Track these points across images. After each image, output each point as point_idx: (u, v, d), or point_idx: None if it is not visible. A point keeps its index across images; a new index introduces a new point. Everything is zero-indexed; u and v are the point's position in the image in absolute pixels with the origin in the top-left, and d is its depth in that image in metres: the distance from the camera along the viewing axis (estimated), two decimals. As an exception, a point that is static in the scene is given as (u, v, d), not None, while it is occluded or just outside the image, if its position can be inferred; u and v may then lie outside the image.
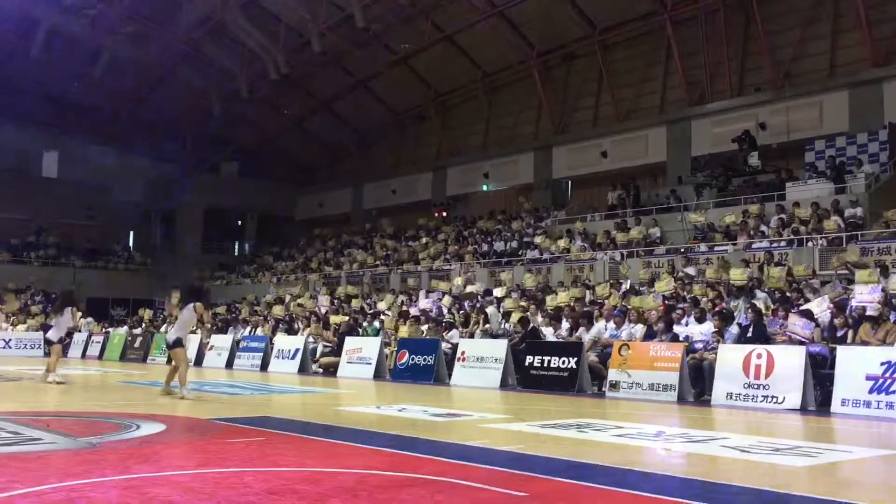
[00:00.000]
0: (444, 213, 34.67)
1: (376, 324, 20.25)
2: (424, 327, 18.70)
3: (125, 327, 28.52)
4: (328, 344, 19.81)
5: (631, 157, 28.78)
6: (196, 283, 15.38)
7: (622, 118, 29.41)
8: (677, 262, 19.81)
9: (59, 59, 33.78)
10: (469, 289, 22.25)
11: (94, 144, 40.17)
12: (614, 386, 13.02)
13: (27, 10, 30.92)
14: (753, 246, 19.46)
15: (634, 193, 26.35)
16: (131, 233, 43.21)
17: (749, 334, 12.80)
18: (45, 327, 28.26)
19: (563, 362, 14.03)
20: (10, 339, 28.63)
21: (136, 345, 25.52)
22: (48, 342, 16.09)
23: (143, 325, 28.39)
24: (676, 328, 13.82)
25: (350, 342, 18.50)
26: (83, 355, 26.63)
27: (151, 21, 32.57)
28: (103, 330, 28.47)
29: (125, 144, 40.86)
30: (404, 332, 18.71)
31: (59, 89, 37.42)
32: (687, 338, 13.58)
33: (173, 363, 12.71)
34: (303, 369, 19.14)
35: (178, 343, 12.24)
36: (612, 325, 14.98)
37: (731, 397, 11.72)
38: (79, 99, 38.01)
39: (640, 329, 14.30)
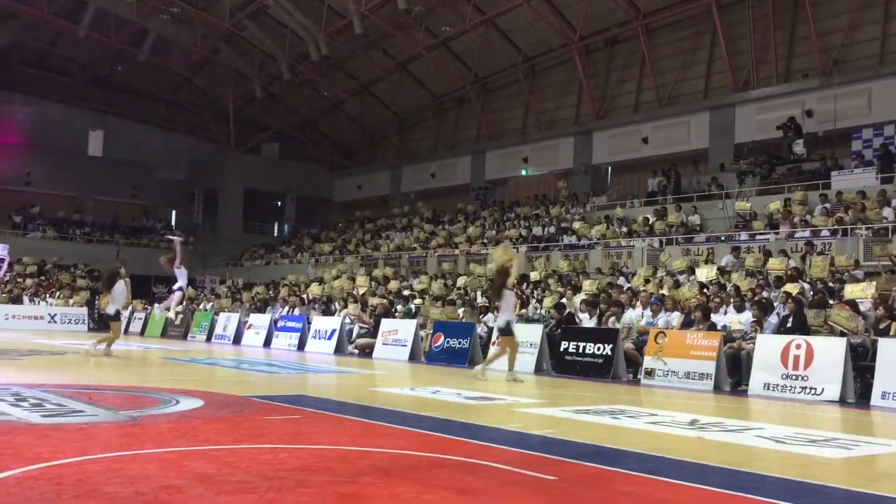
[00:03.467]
0: (481, 198, 34.60)
1: (412, 306, 20.35)
2: (461, 310, 18.75)
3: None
4: (364, 325, 19.97)
5: (672, 144, 28.44)
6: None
7: (664, 104, 29.05)
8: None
9: (105, 40, 34.29)
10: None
11: (138, 124, 40.88)
12: (650, 373, 12.96)
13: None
14: (796, 235, 19.16)
15: (675, 180, 26.06)
16: (173, 212, 43.89)
17: (788, 324, 12.63)
18: (91, 303, 28.98)
19: (599, 348, 13.99)
20: (55, 314, 29.35)
21: (177, 322, 25.96)
22: (106, 317, 16.47)
23: (184, 302, 28.83)
24: (715, 317, 13.68)
25: (386, 324, 18.63)
26: (125, 331, 27.13)
27: (195, 3, 32.89)
28: (144, 307, 29.00)
29: (168, 124, 41.53)
30: (436, 314, 18.75)
31: (104, 70, 38.03)
32: (725, 327, 13.45)
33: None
34: (339, 350, 19.33)
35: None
36: (648, 312, 14.88)
37: (768, 388, 11.60)
38: (124, 80, 38.63)
39: (676, 317, 14.19)
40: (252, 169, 41.29)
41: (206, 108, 41.05)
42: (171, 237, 18.75)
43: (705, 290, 15.49)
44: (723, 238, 20.82)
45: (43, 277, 33.10)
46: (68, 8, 33.15)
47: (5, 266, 20.68)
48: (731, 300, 14.23)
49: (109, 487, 4.44)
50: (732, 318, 13.71)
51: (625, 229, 23.69)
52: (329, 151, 43.55)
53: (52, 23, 34.02)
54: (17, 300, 29.79)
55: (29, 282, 31.86)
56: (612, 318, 15.06)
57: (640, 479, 5.28)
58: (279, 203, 44.06)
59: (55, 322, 28.87)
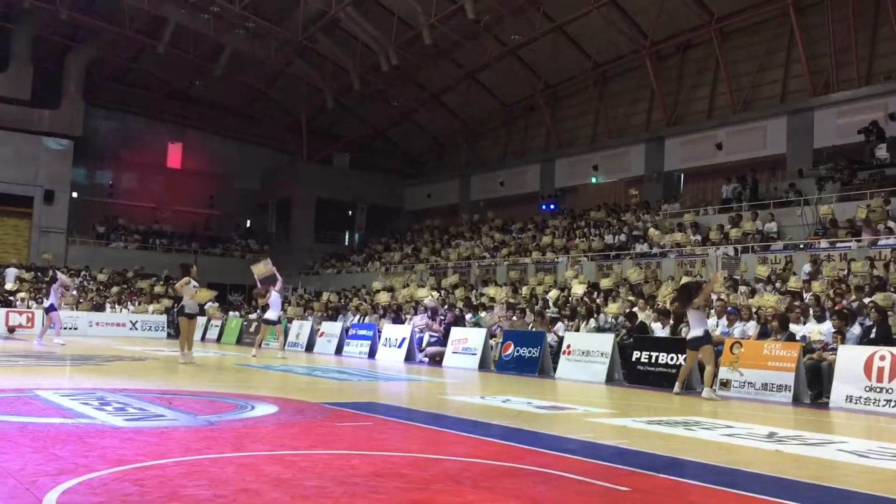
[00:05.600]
0: (552, 207, 34.45)
1: (482, 315, 20.35)
2: (530, 319, 18.68)
3: (241, 312, 29.68)
4: (434, 334, 20.06)
5: (748, 149, 27.78)
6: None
7: (739, 109, 28.42)
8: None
9: (183, 55, 35.39)
10: (576, 287, 21.94)
11: (214, 136, 42.04)
12: (725, 384, 12.65)
13: (155, 7, 32.55)
14: (879, 243, 18.49)
15: (752, 186, 25.44)
16: (248, 221, 44.92)
17: (872, 335, 12.19)
18: (169, 311, 29.83)
19: (672, 359, 13.74)
20: (136, 321, 30.34)
21: (252, 329, 26.53)
22: (177, 312, 16.82)
23: (259, 310, 29.46)
24: (793, 327, 13.29)
25: (456, 332, 18.67)
26: (203, 338, 27.88)
27: (270, 18, 33.69)
28: (221, 314, 29.70)
29: (244, 136, 42.59)
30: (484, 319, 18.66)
31: (183, 85, 39.24)
32: (804, 337, 13.06)
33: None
34: (409, 358, 19.45)
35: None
36: (723, 321, 14.56)
37: (850, 400, 11.20)
38: (201, 93, 39.79)
39: (753, 327, 13.84)
40: (324, 179, 41.97)
41: (279, 119, 41.96)
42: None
43: (784, 300, 15.08)
44: (801, 246, 20.23)
45: (125, 286, 34.27)
46: (149, 25, 34.36)
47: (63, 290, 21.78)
48: (811, 310, 13.81)
49: (190, 490, 4.57)
50: (812, 329, 13.31)
51: (698, 237, 23.24)
52: (399, 161, 43.96)
53: (134, 39, 35.29)
54: (99, 308, 30.91)
55: (113, 290, 33.02)
56: (685, 328, 14.77)
57: (716, 491, 5.17)
58: (350, 212, 44.68)
59: (136, 329, 29.86)
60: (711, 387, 11.86)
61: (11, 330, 27.57)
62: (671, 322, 15.30)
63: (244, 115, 41.73)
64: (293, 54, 36.09)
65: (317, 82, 37.25)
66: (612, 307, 17.76)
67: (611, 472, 5.59)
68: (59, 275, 23.07)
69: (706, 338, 11.91)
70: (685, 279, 18.98)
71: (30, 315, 28.87)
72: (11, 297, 30.38)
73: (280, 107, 41.04)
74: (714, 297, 16.35)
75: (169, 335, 28.45)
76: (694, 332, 11.94)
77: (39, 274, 33.73)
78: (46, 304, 21.80)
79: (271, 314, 19.56)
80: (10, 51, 35.69)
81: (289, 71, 37.50)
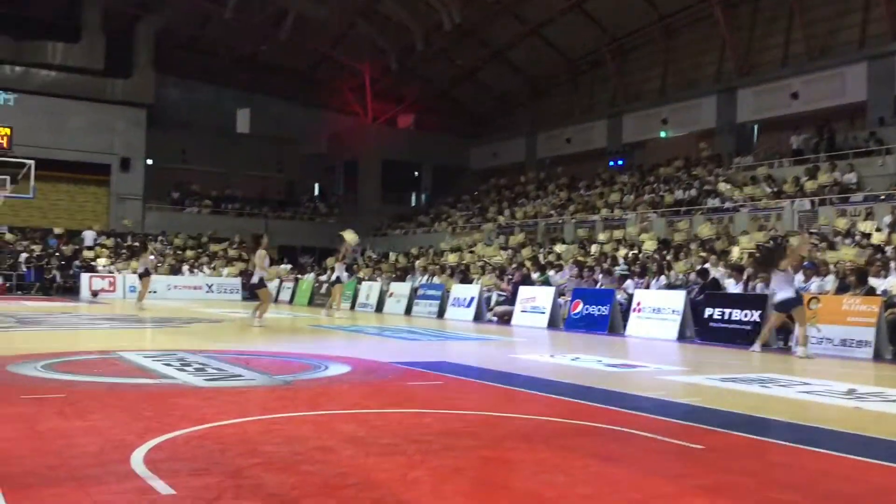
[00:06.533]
0: (619, 163, 33.91)
1: (550, 274, 20.27)
2: (599, 276, 18.53)
3: (313, 274, 30.19)
4: (502, 293, 20.08)
5: (825, 98, 26.72)
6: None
7: (815, 55, 27.30)
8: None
9: (249, 21, 35.71)
10: (647, 243, 21.63)
11: (281, 100, 42.48)
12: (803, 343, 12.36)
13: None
14: (967, 192, 17.69)
15: (829, 136, 24.55)
16: (316, 184, 45.47)
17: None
18: (246, 274, 30.57)
19: (746, 315, 13.48)
20: (211, 284, 31.19)
21: (323, 290, 26.99)
22: (252, 286, 16.75)
23: (329, 271, 29.95)
24: (873, 281, 12.88)
25: (524, 291, 18.66)
26: (275, 300, 28.49)
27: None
28: (293, 276, 30.27)
29: (309, 99, 42.90)
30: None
31: (249, 51, 39.64)
32: (885, 292, 12.64)
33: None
34: (478, 317, 19.54)
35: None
36: (800, 276, 14.19)
37: (935, 356, 10.84)
38: (267, 59, 40.11)
39: (831, 281, 13.46)
40: (389, 140, 42.10)
41: (343, 82, 42.10)
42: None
43: (864, 253, 14.60)
44: (882, 197, 19.47)
45: (200, 250, 35.20)
46: (214, -8, 34.74)
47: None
48: (893, 263, 13.34)
49: (268, 447, 4.72)
50: (894, 283, 12.87)
51: (772, 190, 22.58)
52: (464, 120, 43.72)
53: (201, 7, 35.73)
54: (177, 271, 31.87)
55: (189, 253, 33.98)
56: (760, 284, 14.46)
57: (793, 449, 5.09)
58: (416, 173, 44.77)
59: (212, 292, 30.72)
60: (805, 345, 11.57)
61: (95, 294, 28.68)
62: (744, 278, 15.01)
63: (309, 78, 41.98)
64: (356, 15, 36.04)
65: (380, 43, 37.18)
66: (683, 263, 17.47)
67: (684, 430, 5.55)
68: (149, 254, 23.71)
69: (798, 299, 11.55)
70: (760, 235, 18.54)
71: (111, 279, 29.94)
72: (93, 263, 31.54)
73: (344, 69, 41.15)
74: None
75: (244, 298, 29.16)
76: (783, 294, 11.51)
77: (119, 239, 34.89)
78: (141, 269, 22.56)
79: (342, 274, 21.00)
80: (83, 22, 36.55)
81: (352, 33, 37.50)
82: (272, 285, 29.41)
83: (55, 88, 35.99)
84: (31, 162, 29.04)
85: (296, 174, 43.81)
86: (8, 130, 31.00)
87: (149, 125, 38.01)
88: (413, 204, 44.74)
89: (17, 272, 30.61)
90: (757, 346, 12.05)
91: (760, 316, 13.16)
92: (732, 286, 15.19)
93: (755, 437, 5.38)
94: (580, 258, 21.58)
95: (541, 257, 23.15)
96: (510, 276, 20.68)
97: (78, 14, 36.54)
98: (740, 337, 13.24)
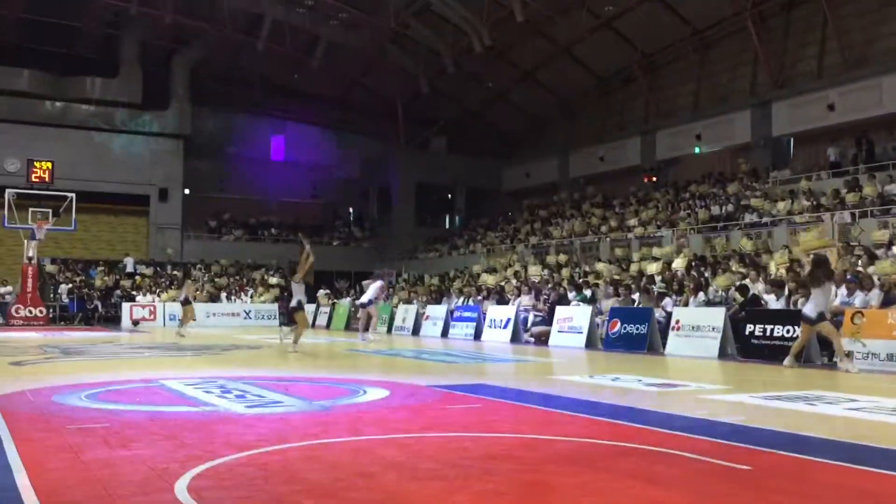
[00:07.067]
0: (654, 179, 33.71)
1: (587, 293, 20.14)
2: (636, 296, 18.36)
3: (349, 299, 30.33)
4: (539, 313, 19.98)
5: (862, 109, 26.31)
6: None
7: (851, 66, 26.95)
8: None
9: (281, 50, 36.28)
10: (678, 261, 21.45)
11: (314, 127, 43.01)
12: (847, 356, 12.10)
13: (253, 5, 33.46)
14: None
15: (867, 147, 24.16)
16: (350, 209, 45.79)
17: None
18: (280, 299, 30.81)
19: (788, 331, 13.24)
20: (249, 311, 31.47)
21: (359, 315, 27.04)
22: (291, 310, 16.45)
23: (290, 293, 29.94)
24: (919, 294, 12.59)
25: (561, 311, 18.54)
26: (312, 325, 28.65)
27: (362, 6, 34.09)
28: (329, 301, 30.43)
29: (342, 125, 43.38)
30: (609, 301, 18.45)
31: (282, 79, 40.23)
32: (932, 304, 12.34)
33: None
34: (515, 338, 19.44)
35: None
36: (843, 291, 13.92)
37: None
38: (300, 86, 40.67)
39: (876, 296, 13.18)
40: (422, 164, 42.33)
41: (376, 107, 42.49)
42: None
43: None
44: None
45: (238, 277, 35.58)
46: (247, 23, 35.37)
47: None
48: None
49: (311, 474, 4.73)
50: (941, 295, 12.57)
51: (809, 203, 22.25)
52: (496, 141, 43.82)
53: (234, 38, 36.40)
54: (215, 299, 32.23)
55: (226, 281, 34.36)
56: (801, 299, 14.21)
57: (842, 468, 4.97)
58: (450, 196, 44.90)
59: (250, 318, 31.00)
60: (849, 358, 11.40)
61: (136, 323, 29.09)
62: (786, 293, 14.77)
63: (342, 105, 42.46)
64: (387, 41, 36.44)
65: (411, 68, 37.50)
66: (722, 279, 17.26)
67: (729, 450, 5.45)
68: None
69: (813, 317, 11.42)
70: (799, 249, 18.24)
71: (152, 308, 30.35)
72: (134, 292, 32.02)
73: (376, 94, 41.56)
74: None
75: (282, 323, 29.34)
76: (806, 308, 11.50)
77: (158, 268, 35.40)
78: (181, 297, 22.96)
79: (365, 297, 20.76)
80: (120, 57, 37.46)
81: (383, 59, 37.90)
82: (310, 307, 29.67)
83: (95, 122, 36.84)
84: (73, 195, 29.72)
85: (331, 199, 44.20)
86: (49, 164, 31.73)
87: (186, 155, 38.69)
88: (447, 226, 44.83)
89: (59, 303, 31.19)
90: (788, 361, 11.83)
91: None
92: (773, 302, 14.94)
93: (803, 456, 5.27)
94: (616, 276, 21.42)
95: (576, 277, 23.02)
96: (546, 296, 20.57)
97: (116, 49, 37.46)
98: (783, 354, 12.98)
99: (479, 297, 23.37)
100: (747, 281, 16.37)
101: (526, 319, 20.10)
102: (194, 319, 24.22)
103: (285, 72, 39.57)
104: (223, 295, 32.77)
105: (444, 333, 22.05)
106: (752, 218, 23.66)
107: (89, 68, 37.18)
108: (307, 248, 15.93)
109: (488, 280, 25.52)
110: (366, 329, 20.33)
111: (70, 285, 32.14)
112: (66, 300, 31.38)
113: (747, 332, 14.03)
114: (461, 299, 24.29)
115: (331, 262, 38.18)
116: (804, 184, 23.85)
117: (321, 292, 30.49)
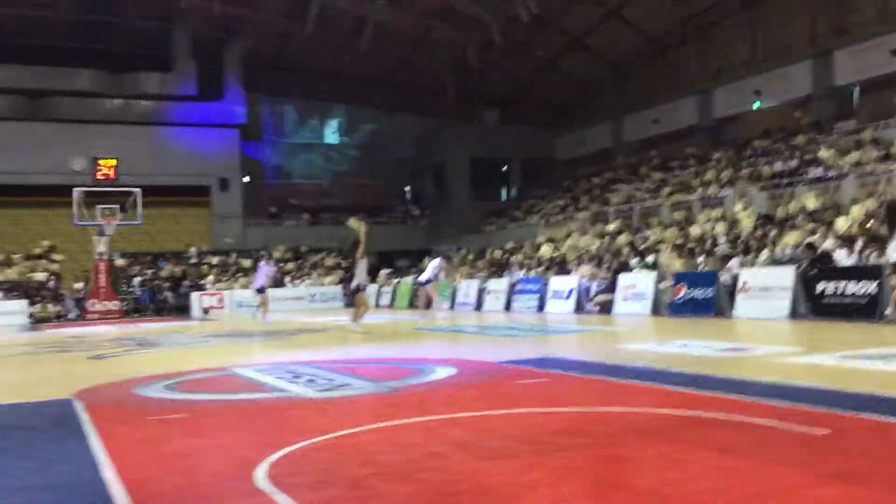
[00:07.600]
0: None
1: (650, 258, 19.87)
2: (700, 259, 18.05)
3: (411, 277, 30.50)
4: (602, 282, 19.81)
5: (930, 51, 25.23)
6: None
7: (917, 7, 25.81)
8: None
9: (329, 35, 36.41)
10: (745, 220, 20.88)
11: (366, 109, 43.19)
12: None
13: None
14: None
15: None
16: (407, 188, 45.95)
17: None
18: (344, 281, 31.17)
19: (862, 288, 12.87)
20: (313, 294, 31.94)
21: (419, 293, 27.19)
22: (351, 292, 17.10)
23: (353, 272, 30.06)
24: None
25: (624, 279, 18.35)
26: (375, 305, 28.93)
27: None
28: (392, 281, 30.67)
29: (393, 105, 43.43)
30: (678, 264, 18.18)
31: (331, 63, 40.42)
32: None
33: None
34: (578, 308, 19.33)
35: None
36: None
37: None
38: (350, 69, 40.80)
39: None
40: (475, 138, 42.14)
41: (425, 84, 42.39)
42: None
43: None
44: None
45: (300, 261, 36.10)
46: (294, 9, 35.56)
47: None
48: None
49: (382, 456, 4.78)
50: None
51: (878, 153, 21.47)
52: (547, 111, 43.34)
53: (283, 25, 36.66)
54: (279, 284, 32.77)
55: (289, 266, 34.90)
56: (874, 253, 13.79)
57: (928, 430, 4.82)
58: (504, 168, 44.66)
59: (314, 301, 31.46)
60: None
61: (206, 311, 29.82)
62: (857, 248, 14.34)
63: (391, 84, 42.46)
64: (432, 17, 36.22)
65: (458, 42, 37.26)
66: (790, 238, 16.83)
67: (806, 414, 5.33)
68: (265, 265, 23.96)
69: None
70: (870, 202, 17.67)
71: (220, 297, 31.05)
72: (202, 282, 32.78)
73: (425, 72, 41.43)
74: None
75: (347, 305, 29.71)
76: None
77: (224, 257, 36.15)
78: (257, 285, 23.15)
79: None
80: (174, 51, 38.10)
81: (430, 35, 37.72)
82: (372, 287, 29.96)
83: (153, 117, 37.65)
84: (138, 190, 30.48)
85: (387, 179, 44.41)
86: (114, 162, 32.58)
87: (243, 144, 39.25)
88: (503, 199, 44.65)
89: (132, 295, 32.13)
90: (890, 310, 11.43)
91: (879, 286, 12.53)
92: (844, 258, 14.53)
93: (886, 418, 5.12)
94: (678, 240, 21.07)
95: (637, 243, 22.72)
96: (608, 265, 20.37)
97: (169, 44, 38.11)
98: (857, 311, 12.65)
99: (541, 269, 23.26)
100: (817, 237, 15.94)
101: (588, 289, 19.95)
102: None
103: (334, 55, 39.70)
104: (287, 280, 33.28)
105: (507, 307, 22.04)
106: (817, 172, 22.96)
107: (144, 65, 37.94)
108: (363, 229, 15.91)
109: (548, 251, 25.35)
110: (427, 306, 20.36)
111: (142, 278, 33.07)
112: (139, 293, 32.31)
113: (818, 291, 13.69)
114: (523, 272, 24.21)
115: (391, 243, 38.43)
116: (868, 133, 23.00)
117: (382, 272, 30.77)
